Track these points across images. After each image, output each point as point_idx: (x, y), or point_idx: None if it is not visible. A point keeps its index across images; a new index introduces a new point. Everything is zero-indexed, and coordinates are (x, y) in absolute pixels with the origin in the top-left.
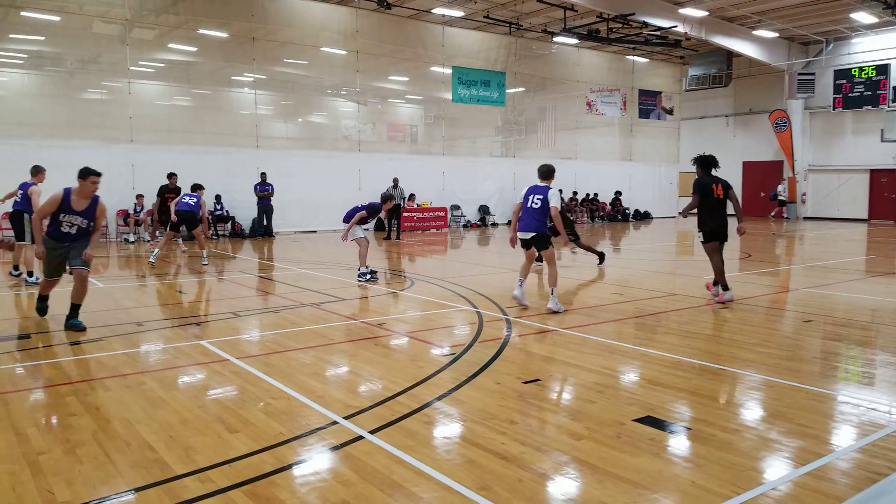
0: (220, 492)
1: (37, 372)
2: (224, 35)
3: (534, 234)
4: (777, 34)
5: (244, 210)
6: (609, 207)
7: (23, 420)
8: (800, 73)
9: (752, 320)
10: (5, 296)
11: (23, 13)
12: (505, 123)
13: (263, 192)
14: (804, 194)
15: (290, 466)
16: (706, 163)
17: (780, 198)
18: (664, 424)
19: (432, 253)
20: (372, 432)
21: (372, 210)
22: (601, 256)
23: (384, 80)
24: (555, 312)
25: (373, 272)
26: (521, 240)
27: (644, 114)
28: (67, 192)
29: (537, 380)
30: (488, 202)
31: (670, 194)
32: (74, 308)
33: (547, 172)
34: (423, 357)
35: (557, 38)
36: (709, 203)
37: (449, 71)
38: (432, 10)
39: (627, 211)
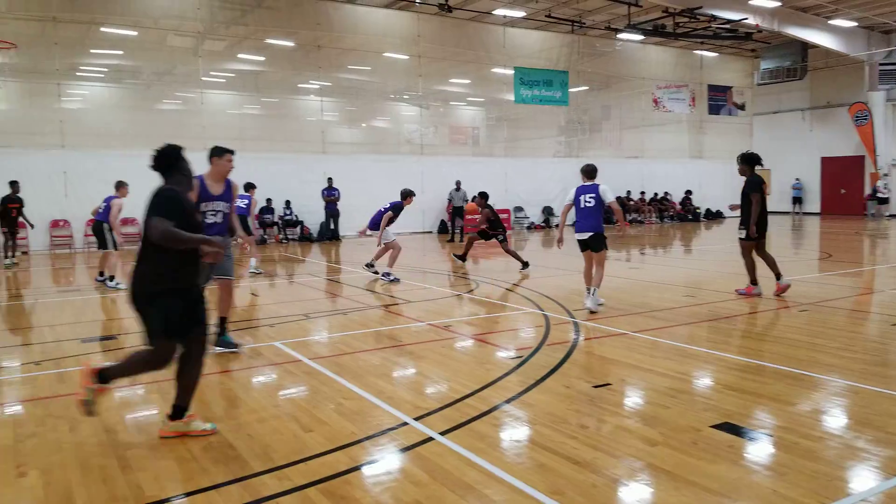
0: (296, 489)
1: None
2: (291, 44)
3: (591, 233)
4: (856, 23)
5: (312, 215)
6: (679, 207)
7: (111, 417)
8: (881, 64)
9: (834, 323)
10: (92, 299)
11: (102, 29)
12: (568, 123)
13: (330, 196)
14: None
15: (363, 466)
16: (755, 160)
17: (878, 195)
18: (743, 431)
19: (496, 255)
20: (442, 434)
21: (396, 209)
22: (524, 264)
23: (446, 84)
24: (593, 312)
25: (396, 279)
26: (579, 241)
27: (714, 110)
28: (201, 178)
29: (608, 384)
30: (552, 203)
31: None
32: (223, 322)
33: (592, 171)
34: (490, 360)
35: (621, 35)
36: (763, 201)
37: (511, 72)
38: (493, 12)
39: (698, 210)
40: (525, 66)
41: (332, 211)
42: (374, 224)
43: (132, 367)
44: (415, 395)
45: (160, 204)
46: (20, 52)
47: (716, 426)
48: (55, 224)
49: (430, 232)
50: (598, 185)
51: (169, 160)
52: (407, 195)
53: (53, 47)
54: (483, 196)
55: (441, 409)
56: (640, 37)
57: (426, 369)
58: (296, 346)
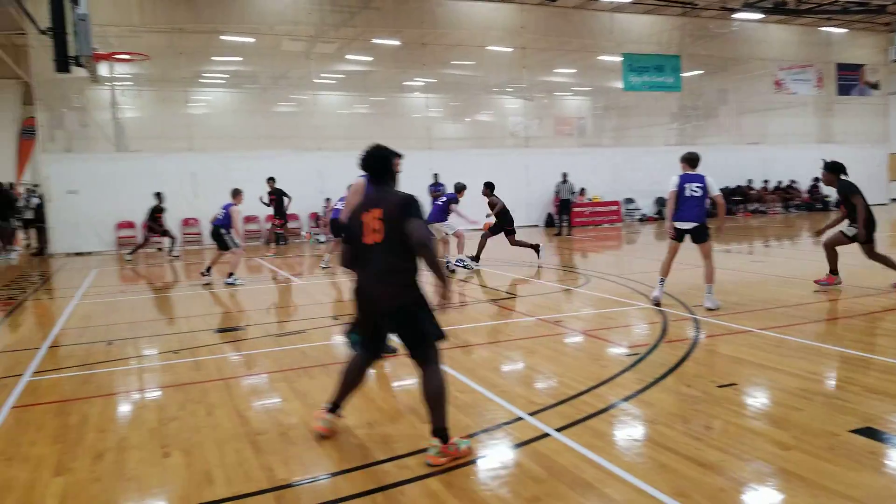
0: (417, 479)
1: (251, 360)
2: (396, 43)
3: (696, 223)
4: None
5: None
6: (806, 195)
7: (243, 403)
8: None
9: None
10: (220, 293)
11: (222, 37)
12: (681, 109)
13: (436, 191)
14: None
15: (480, 459)
16: (839, 168)
17: None
18: (886, 437)
19: (606, 248)
20: (558, 430)
21: (455, 202)
22: (537, 249)
23: (550, 74)
24: (711, 310)
25: (467, 264)
26: (678, 230)
27: (844, 90)
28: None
29: (733, 384)
30: (665, 194)
31: (878, 178)
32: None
33: (696, 160)
34: (605, 356)
35: (738, 15)
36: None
37: (619, 59)
38: None
39: (827, 199)
40: (634, 52)
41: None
42: (438, 217)
43: (441, 397)
44: (528, 390)
45: (420, 209)
46: (151, 62)
47: (856, 431)
48: (185, 222)
49: (537, 226)
50: (703, 176)
51: (386, 164)
52: (461, 189)
53: (180, 57)
54: (489, 186)
55: (556, 405)
56: (759, 15)
57: (539, 364)
58: None
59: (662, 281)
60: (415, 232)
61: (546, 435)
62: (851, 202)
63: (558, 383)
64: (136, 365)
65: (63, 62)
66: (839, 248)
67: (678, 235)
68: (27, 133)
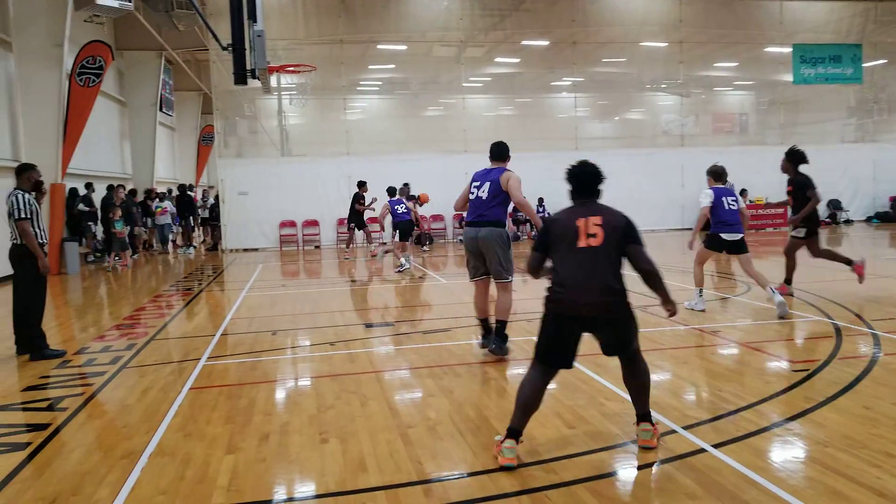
0: (564, 484)
1: (400, 355)
2: (545, 43)
3: (741, 235)
4: None
5: None
6: None
7: (393, 396)
8: None
9: None
10: (374, 289)
11: (378, 46)
12: (860, 103)
13: None
14: None
15: (630, 469)
16: (799, 157)
17: None
18: None
19: (769, 254)
20: (715, 446)
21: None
22: None
23: (709, 69)
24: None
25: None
26: (724, 241)
27: None
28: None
29: None
30: (840, 196)
31: None
32: (501, 325)
33: (723, 174)
34: (768, 371)
35: None
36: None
37: (788, 50)
38: None
39: None
40: (807, 41)
41: None
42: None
43: (649, 383)
44: (681, 402)
45: (639, 233)
46: (313, 72)
47: None
48: (340, 222)
49: (691, 229)
50: (732, 188)
51: (598, 180)
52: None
53: (340, 66)
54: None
55: (713, 419)
56: None
57: (692, 376)
58: None
59: (701, 292)
60: (643, 261)
61: (702, 450)
62: (806, 196)
63: (715, 397)
64: (297, 354)
65: (241, 75)
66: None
67: (718, 246)
68: (205, 140)
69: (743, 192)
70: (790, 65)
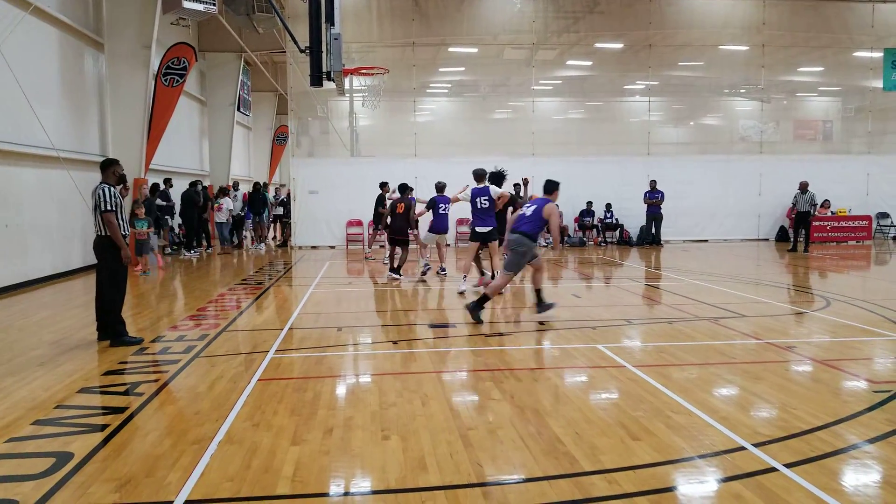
0: (626, 496)
1: (461, 357)
2: (619, 46)
3: (490, 228)
4: None
5: (633, 218)
6: None
7: (453, 397)
8: None
9: None
10: (434, 290)
11: (450, 49)
12: None
13: (652, 199)
14: None
15: (696, 484)
16: (496, 178)
17: None
18: None
19: (850, 269)
20: (787, 466)
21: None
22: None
23: (792, 73)
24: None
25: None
26: (479, 234)
27: None
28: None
29: None
30: None
31: None
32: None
33: (482, 175)
34: (846, 390)
35: None
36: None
37: (879, 55)
38: None
39: None
40: None
41: (653, 214)
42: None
43: None
44: (753, 418)
45: None
46: (386, 74)
47: None
48: None
49: (767, 239)
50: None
51: None
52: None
53: (412, 69)
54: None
55: (785, 438)
56: None
57: (765, 392)
58: (618, 352)
59: (464, 278)
60: None
61: (773, 469)
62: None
63: (788, 415)
64: (360, 351)
65: (317, 77)
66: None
67: (474, 238)
68: (279, 139)
69: (825, 203)
70: (880, 70)
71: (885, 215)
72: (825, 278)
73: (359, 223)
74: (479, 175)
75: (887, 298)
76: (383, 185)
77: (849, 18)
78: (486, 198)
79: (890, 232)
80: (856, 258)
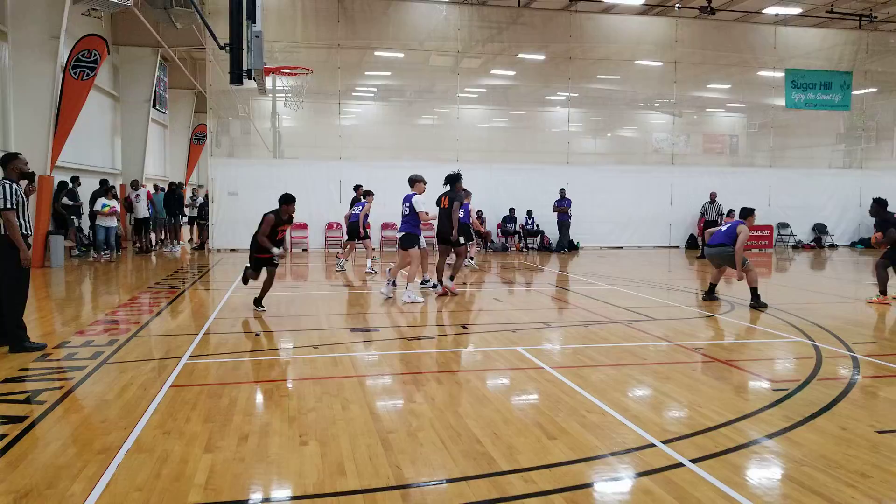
0: (542, 493)
1: (383, 361)
2: (541, 57)
3: (404, 233)
4: None
5: (553, 224)
6: None
7: (375, 401)
8: None
9: None
10: (355, 294)
11: (376, 53)
12: (849, 130)
13: (560, 206)
14: None
15: (608, 481)
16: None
17: None
18: None
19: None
20: (693, 461)
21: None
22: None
23: (702, 89)
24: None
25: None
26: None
27: None
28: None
29: None
30: (826, 220)
31: None
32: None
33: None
34: (747, 389)
35: None
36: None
37: (780, 74)
38: (763, 11)
39: None
40: (799, 66)
41: (563, 221)
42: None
43: None
44: (661, 416)
45: None
46: (309, 75)
47: None
48: (330, 226)
49: (678, 247)
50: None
51: None
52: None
53: (336, 71)
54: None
55: (691, 435)
56: None
57: (673, 391)
58: (537, 354)
59: (407, 285)
60: None
61: (680, 465)
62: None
63: (695, 413)
64: (280, 356)
65: (237, 75)
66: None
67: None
68: (197, 139)
69: (730, 213)
70: (782, 89)
71: (785, 225)
72: (730, 284)
73: (303, 226)
74: (411, 181)
75: (787, 303)
76: (357, 188)
77: (754, 39)
78: (408, 205)
79: (789, 241)
80: (758, 265)
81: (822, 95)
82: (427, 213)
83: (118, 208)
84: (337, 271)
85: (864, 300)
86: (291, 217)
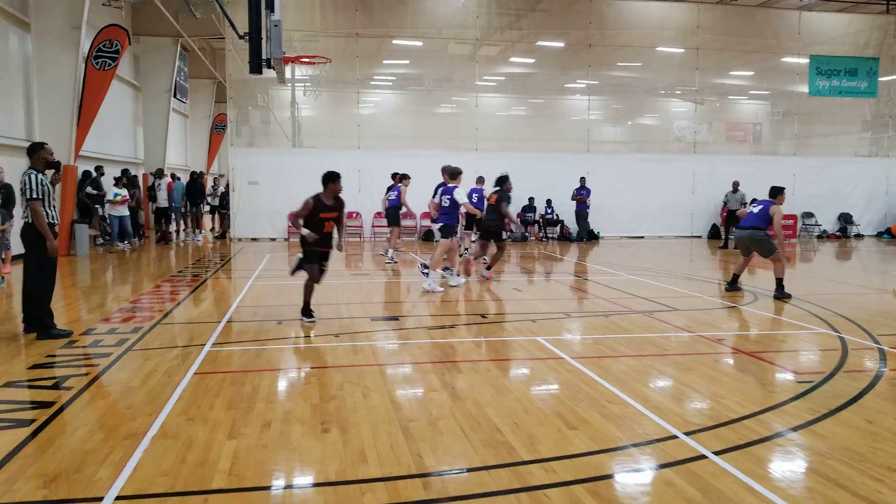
0: (563, 484)
1: (405, 349)
2: (561, 45)
3: (440, 224)
4: None
5: (573, 214)
6: None
7: (396, 389)
8: None
9: None
10: (378, 283)
11: (394, 41)
12: (875, 117)
13: (579, 195)
14: None
15: (630, 472)
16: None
17: None
18: None
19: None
20: (716, 453)
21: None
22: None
23: (725, 77)
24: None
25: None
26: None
27: None
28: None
29: None
30: (851, 210)
31: None
32: None
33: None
34: (772, 381)
35: None
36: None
37: (805, 61)
38: None
39: None
40: (823, 52)
41: (581, 210)
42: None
43: None
44: (684, 408)
45: None
46: (328, 65)
47: None
48: (349, 216)
49: (700, 237)
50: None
51: None
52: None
53: (355, 60)
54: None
55: (715, 426)
56: None
57: (696, 383)
58: (557, 344)
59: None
60: None
61: (703, 457)
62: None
63: (718, 405)
64: (301, 345)
65: (257, 64)
66: None
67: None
68: (217, 128)
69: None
70: (806, 76)
71: (809, 215)
72: (754, 274)
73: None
74: (452, 173)
75: (811, 293)
76: (394, 176)
77: (777, 25)
78: (448, 197)
79: (814, 231)
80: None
81: (847, 82)
82: (469, 205)
83: (129, 197)
84: (387, 263)
85: (891, 291)
86: (341, 203)
